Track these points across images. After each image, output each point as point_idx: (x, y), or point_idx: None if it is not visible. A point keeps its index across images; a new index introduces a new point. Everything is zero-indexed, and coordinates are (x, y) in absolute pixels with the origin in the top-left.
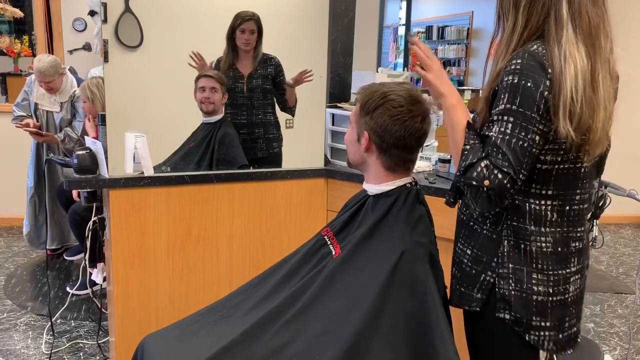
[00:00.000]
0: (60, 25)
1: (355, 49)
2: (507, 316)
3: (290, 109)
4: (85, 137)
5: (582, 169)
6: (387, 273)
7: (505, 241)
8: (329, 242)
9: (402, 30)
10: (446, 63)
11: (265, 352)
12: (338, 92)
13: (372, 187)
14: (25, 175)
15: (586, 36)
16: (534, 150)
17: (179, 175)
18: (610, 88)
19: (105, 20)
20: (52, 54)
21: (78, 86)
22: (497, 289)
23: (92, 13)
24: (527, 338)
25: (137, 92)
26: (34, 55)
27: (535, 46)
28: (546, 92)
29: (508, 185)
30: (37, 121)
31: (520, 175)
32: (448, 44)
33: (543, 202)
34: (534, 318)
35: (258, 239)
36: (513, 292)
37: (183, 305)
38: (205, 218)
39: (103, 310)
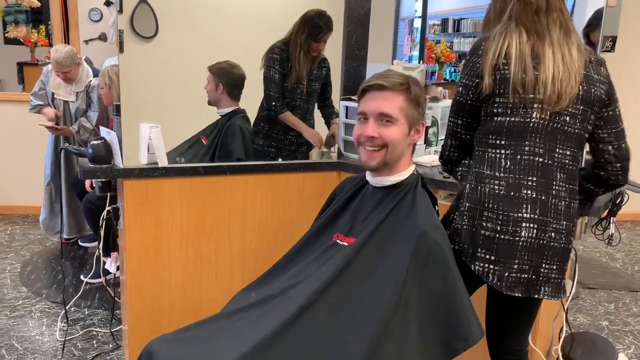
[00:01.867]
0: (76, 15)
1: (370, 41)
2: (456, 247)
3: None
4: (100, 127)
5: (532, 124)
6: (410, 254)
7: (468, 185)
8: (340, 242)
9: (417, 23)
10: (462, 56)
11: (298, 339)
12: (352, 84)
13: (386, 179)
14: (42, 163)
15: (531, 29)
16: (460, 99)
17: (193, 166)
18: (568, 59)
19: (120, 11)
20: (68, 43)
21: (94, 76)
22: (453, 224)
23: (108, 3)
24: (472, 268)
25: (152, 82)
26: (50, 45)
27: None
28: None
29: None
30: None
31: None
32: (464, 36)
33: (497, 151)
34: (479, 250)
35: (271, 231)
36: (465, 227)
37: (196, 295)
38: (219, 209)
39: (116, 299)
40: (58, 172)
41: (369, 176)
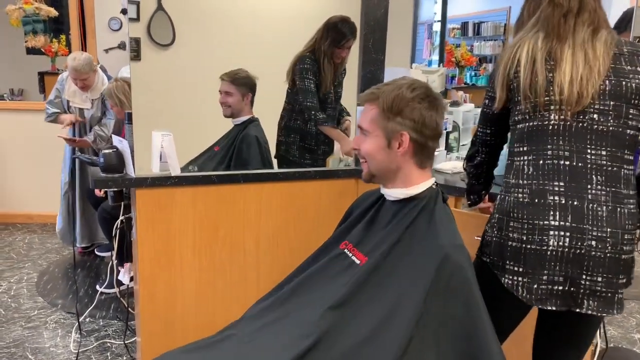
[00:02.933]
0: (93, 23)
1: (388, 45)
2: (487, 259)
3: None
4: (113, 135)
5: (550, 126)
6: (430, 279)
7: (499, 195)
8: (350, 254)
9: (437, 27)
10: (482, 59)
11: None
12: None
13: (399, 192)
14: (59, 172)
15: (547, 30)
16: (487, 110)
17: (206, 175)
18: (590, 56)
19: (137, 18)
20: (86, 52)
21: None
22: (485, 236)
23: (125, 11)
24: (502, 281)
25: (165, 90)
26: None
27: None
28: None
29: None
30: None
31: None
32: (484, 40)
33: (521, 158)
34: (507, 262)
35: (286, 241)
36: (494, 239)
37: (210, 306)
38: (232, 219)
39: (130, 310)
40: (74, 180)
41: (382, 189)
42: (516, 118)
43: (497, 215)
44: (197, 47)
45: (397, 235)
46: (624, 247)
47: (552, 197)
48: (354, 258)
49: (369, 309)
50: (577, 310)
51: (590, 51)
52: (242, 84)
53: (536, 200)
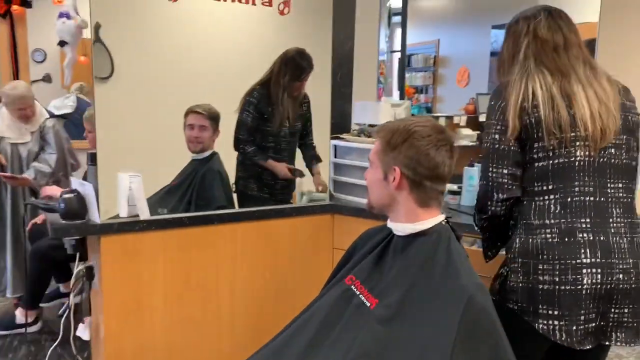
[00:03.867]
0: (27, 56)
1: (355, 79)
2: (515, 306)
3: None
4: (73, 178)
5: (577, 163)
6: (456, 327)
7: (517, 238)
8: (357, 292)
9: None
10: (412, 91)
11: None
12: (339, 122)
13: (405, 227)
14: None
15: (552, 68)
16: (501, 146)
17: (177, 217)
18: (601, 94)
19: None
20: None
21: (50, 116)
22: (508, 282)
23: (62, 43)
24: (536, 327)
25: (111, 125)
26: None
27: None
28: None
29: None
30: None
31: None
32: (415, 71)
33: (545, 197)
34: (540, 307)
35: (262, 282)
36: (521, 285)
37: None
38: (205, 263)
39: None
40: (2, 222)
41: (388, 222)
42: (536, 155)
43: (520, 260)
44: (138, 79)
45: (412, 277)
46: None
47: (581, 235)
48: (362, 298)
49: (396, 356)
50: (607, 343)
51: (600, 89)
52: (216, 119)
53: (566, 239)
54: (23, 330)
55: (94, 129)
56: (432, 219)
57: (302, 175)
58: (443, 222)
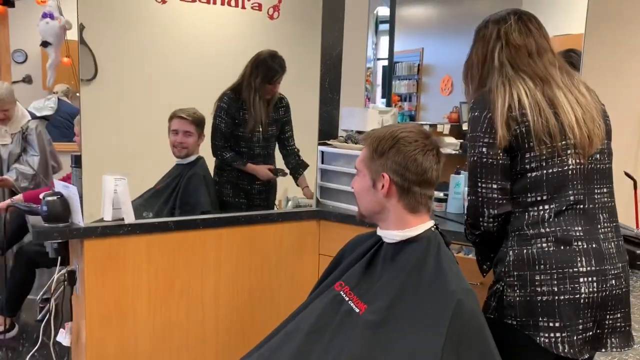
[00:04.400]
0: (9, 57)
1: (343, 84)
2: (514, 322)
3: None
4: (55, 180)
5: (569, 171)
6: (445, 331)
7: (511, 251)
8: (347, 298)
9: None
10: (397, 98)
11: None
12: (326, 128)
13: (394, 234)
14: None
15: (531, 74)
16: (489, 160)
17: (162, 221)
18: (582, 100)
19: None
20: None
21: (32, 117)
22: (505, 297)
23: (45, 44)
24: (538, 341)
25: (96, 127)
26: None
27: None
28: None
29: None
30: None
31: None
32: (399, 79)
33: (540, 207)
34: (540, 319)
35: (247, 288)
36: (518, 299)
37: None
38: (190, 268)
39: None
40: None
41: (378, 230)
42: (528, 166)
43: (515, 273)
44: (121, 82)
45: (401, 283)
46: (628, 279)
47: (576, 243)
48: (351, 304)
49: None
50: (603, 350)
51: (580, 96)
52: (200, 124)
53: (562, 248)
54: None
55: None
56: (422, 225)
57: (284, 174)
58: (432, 228)
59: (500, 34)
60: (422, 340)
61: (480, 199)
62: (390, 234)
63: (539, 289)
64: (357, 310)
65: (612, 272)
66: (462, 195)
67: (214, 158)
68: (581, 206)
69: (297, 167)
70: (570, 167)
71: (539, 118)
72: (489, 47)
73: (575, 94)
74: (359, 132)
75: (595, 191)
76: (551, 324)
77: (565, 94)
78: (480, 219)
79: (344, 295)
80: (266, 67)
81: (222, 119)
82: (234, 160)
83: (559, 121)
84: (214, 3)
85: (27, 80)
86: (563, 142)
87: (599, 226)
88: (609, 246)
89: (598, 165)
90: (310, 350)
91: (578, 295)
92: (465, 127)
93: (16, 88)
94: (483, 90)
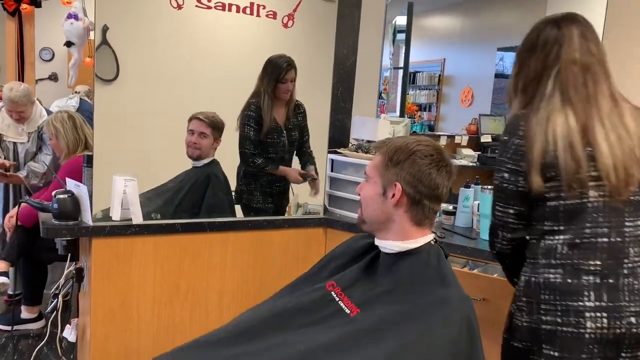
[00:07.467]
0: (33, 55)
1: (356, 94)
2: (520, 345)
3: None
4: (68, 179)
5: (589, 204)
6: (439, 339)
7: (523, 277)
8: (337, 299)
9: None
10: (415, 108)
11: None
12: (337, 137)
13: (394, 244)
14: None
15: (577, 106)
16: (510, 186)
17: (170, 223)
18: (624, 134)
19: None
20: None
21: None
22: (513, 319)
23: (69, 44)
24: None
25: (114, 128)
26: None
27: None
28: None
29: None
30: (2, 152)
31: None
32: (419, 89)
33: (554, 237)
34: (544, 346)
35: (251, 293)
36: (524, 324)
37: None
38: (195, 271)
39: None
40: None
41: (376, 240)
42: (548, 195)
43: (524, 298)
44: (140, 84)
45: (398, 295)
46: None
47: (586, 278)
48: (342, 305)
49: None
50: None
51: (623, 130)
52: (218, 127)
53: (569, 281)
54: (26, 326)
55: (53, 136)
56: (422, 238)
57: (314, 178)
58: (432, 242)
59: (560, 53)
60: (419, 349)
61: (497, 221)
62: (389, 244)
63: (543, 318)
64: (348, 312)
65: (632, 309)
66: (470, 209)
67: (236, 164)
68: (604, 239)
69: (305, 163)
70: (591, 198)
71: (567, 149)
72: (547, 63)
73: (618, 129)
74: (370, 142)
75: (626, 224)
76: (552, 353)
77: (607, 134)
78: (495, 240)
79: (335, 296)
80: (272, 66)
81: (250, 127)
82: (266, 165)
83: (589, 152)
84: (229, 10)
85: (53, 78)
86: (587, 174)
87: (625, 260)
88: (634, 282)
89: (632, 197)
90: (291, 319)
91: (582, 330)
92: (483, 139)
93: (42, 85)
94: (520, 113)
